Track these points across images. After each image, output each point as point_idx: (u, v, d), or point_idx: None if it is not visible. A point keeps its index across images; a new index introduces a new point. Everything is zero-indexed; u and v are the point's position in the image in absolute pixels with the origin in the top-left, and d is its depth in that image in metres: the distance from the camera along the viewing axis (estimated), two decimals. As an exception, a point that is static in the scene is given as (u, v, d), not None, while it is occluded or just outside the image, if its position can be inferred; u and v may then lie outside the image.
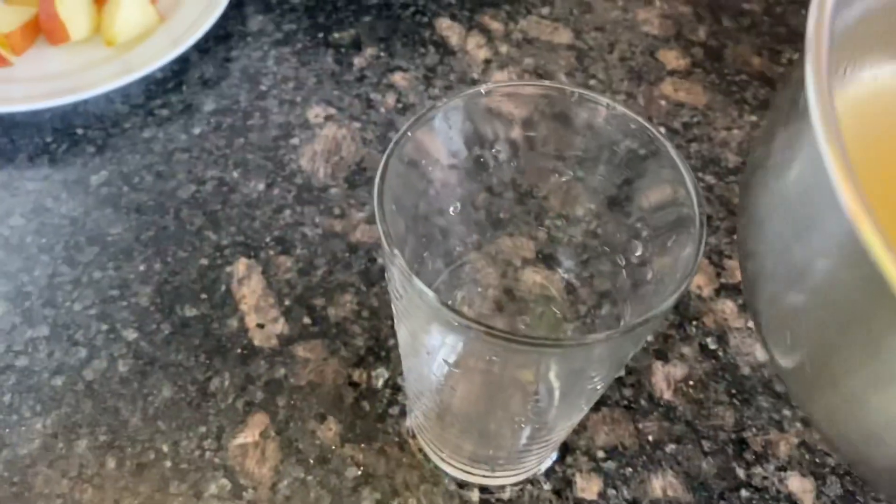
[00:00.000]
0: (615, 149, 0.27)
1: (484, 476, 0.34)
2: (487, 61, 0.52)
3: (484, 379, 0.27)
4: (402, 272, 0.22)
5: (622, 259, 0.30)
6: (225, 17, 0.52)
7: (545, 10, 0.55)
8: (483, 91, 0.27)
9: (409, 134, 0.25)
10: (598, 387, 0.27)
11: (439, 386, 0.29)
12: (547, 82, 0.27)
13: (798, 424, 0.38)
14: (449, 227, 0.31)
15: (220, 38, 0.52)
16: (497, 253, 0.35)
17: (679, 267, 0.25)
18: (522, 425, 0.29)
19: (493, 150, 0.29)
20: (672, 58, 0.53)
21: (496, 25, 0.54)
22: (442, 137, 0.27)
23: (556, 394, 0.27)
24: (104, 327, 0.40)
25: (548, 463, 0.36)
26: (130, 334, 0.39)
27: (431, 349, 0.26)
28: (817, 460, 0.37)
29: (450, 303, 0.35)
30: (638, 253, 0.28)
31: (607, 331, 0.32)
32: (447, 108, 0.26)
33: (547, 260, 0.35)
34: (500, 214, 0.33)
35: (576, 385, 0.26)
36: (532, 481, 0.36)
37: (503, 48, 0.53)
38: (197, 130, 0.47)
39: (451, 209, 0.31)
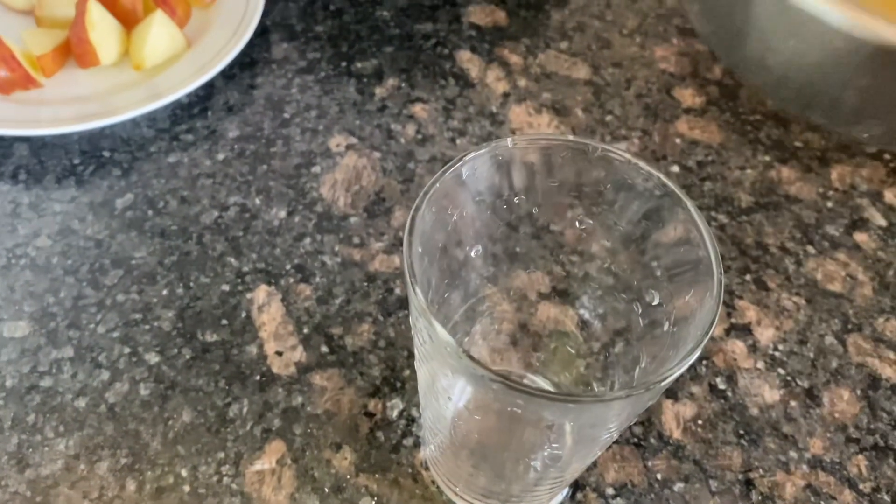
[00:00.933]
0: (635, 204, 0.28)
1: (496, 512, 0.35)
2: (506, 94, 0.53)
3: (500, 423, 0.28)
4: (427, 322, 0.23)
5: (638, 304, 0.30)
6: (251, 45, 0.53)
7: (564, 45, 0.56)
8: (510, 144, 0.28)
9: (437, 185, 0.26)
10: (614, 435, 0.27)
11: (455, 425, 0.30)
12: (572, 137, 0.28)
13: (804, 467, 0.39)
14: (470, 264, 0.32)
15: (245, 64, 0.53)
16: (512, 288, 0.36)
17: (697, 318, 0.26)
18: (536, 466, 0.30)
19: (516, 197, 0.30)
20: (688, 96, 0.54)
21: (515, 59, 0.55)
22: (468, 185, 0.28)
23: (571, 440, 0.27)
24: (127, 350, 0.41)
25: (559, 498, 0.37)
26: (152, 358, 0.40)
27: (450, 391, 0.27)
28: (822, 503, 0.38)
29: (467, 340, 0.36)
30: (655, 301, 0.29)
31: (624, 376, 0.33)
32: (475, 159, 0.27)
33: (562, 295, 0.36)
34: (518, 250, 0.33)
35: (591, 433, 0.27)
36: (542, 516, 0.36)
37: (522, 82, 0.54)
38: (221, 156, 0.48)
39: (474, 251, 0.31)
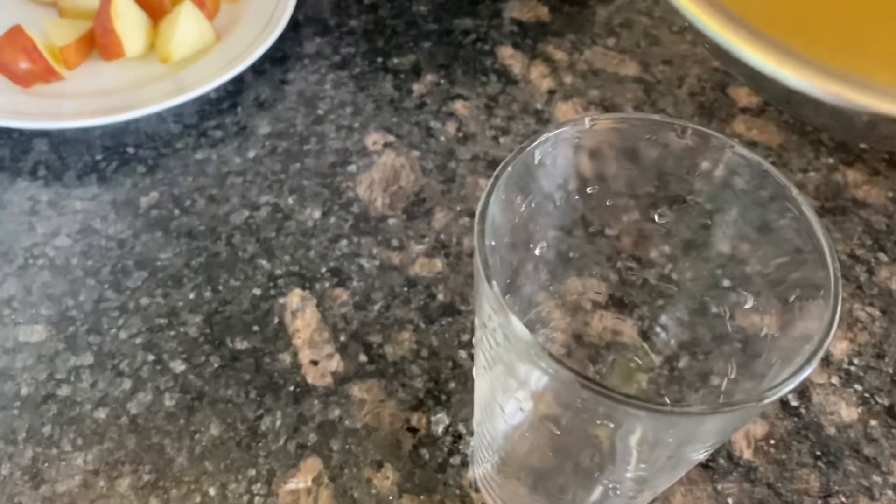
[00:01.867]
0: (727, 193, 0.25)
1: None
2: (552, 92, 0.50)
3: (576, 438, 0.25)
4: (503, 318, 0.20)
5: (724, 308, 0.27)
6: (282, 39, 0.51)
7: (611, 41, 0.53)
8: (587, 124, 0.25)
9: (509, 168, 0.23)
10: (703, 456, 0.24)
11: (519, 440, 0.27)
12: (658, 117, 0.25)
13: (889, 493, 0.35)
14: (536, 261, 0.29)
15: (276, 59, 0.51)
16: (568, 294, 0.33)
17: (803, 325, 0.22)
18: (611, 491, 0.27)
19: (589, 187, 0.27)
20: (743, 94, 0.51)
21: (560, 55, 0.52)
22: (541, 170, 0.25)
23: (656, 461, 0.24)
24: (150, 358, 0.38)
25: (622, 525, 0.34)
26: (178, 366, 0.37)
27: (521, 401, 0.24)
28: (911, 533, 0.34)
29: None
30: (749, 304, 0.26)
31: (694, 393, 0.30)
32: (549, 140, 0.24)
33: (619, 304, 0.33)
34: (588, 246, 0.30)
35: (682, 453, 0.23)
36: (605, 544, 0.33)
37: (567, 79, 0.51)
38: (251, 154, 0.46)
39: (538, 248, 0.28)
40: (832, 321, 0.21)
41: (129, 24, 0.47)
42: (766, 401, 0.19)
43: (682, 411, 0.19)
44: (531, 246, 0.28)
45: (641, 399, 0.19)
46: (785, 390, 0.19)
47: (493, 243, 0.23)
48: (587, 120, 0.25)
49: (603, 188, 0.27)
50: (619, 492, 0.26)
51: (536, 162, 0.25)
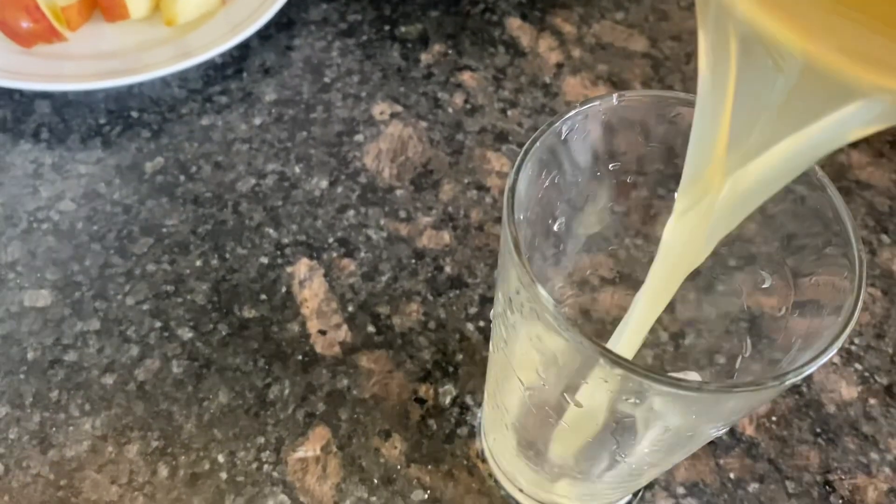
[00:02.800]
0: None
1: (562, 509, 0.32)
2: (559, 65, 0.50)
3: (591, 412, 0.25)
4: (532, 293, 0.20)
5: (743, 286, 0.27)
6: (288, 4, 0.50)
7: (619, 15, 0.53)
8: (615, 101, 0.24)
9: (538, 143, 0.23)
10: (720, 433, 0.24)
11: (537, 413, 0.27)
12: (684, 94, 0.25)
13: (887, 469, 0.36)
14: (557, 237, 0.29)
15: (282, 25, 0.50)
16: (578, 270, 0.33)
17: (826, 304, 0.23)
18: (623, 466, 0.27)
19: (612, 164, 0.27)
20: (750, 73, 0.51)
21: (569, 28, 0.52)
22: (566, 146, 0.25)
23: (671, 437, 0.24)
24: (158, 324, 0.37)
25: (627, 497, 0.34)
26: (185, 333, 0.37)
27: (543, 375, 0.24)
28: (907, 509, 0.35)
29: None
30: (767, 284, 0.26)
31: (697, 366, 0.30)
32: (577, 116, 0.24)
33: (627, 280, 0.33)
34: (608, 223, 0.30)
35: (700, 429, 0.24)
36: (610, 516, 0.34)
37: (576, 52, 0.51)
38: (258, 121, 0.45)
39: (557, 225, 0.28)
40: (857, 301, 0.21)
41: (134, -15, 0.46)
42: (792, 380, 0.20)
43: (710, 389, 0.19)
44: (550, 222, 0.28)
45: (671, 377, 0.19)
46: (811, 369, 0.20)
47: (522, 217, 0.23)
48: (615, 96, 0.25)
49: (625, 165, 0.27)
50: (633, 466, 0.26)
51: (563, 138, 0.25)
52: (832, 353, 0.20)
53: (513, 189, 0.22)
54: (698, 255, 0.23)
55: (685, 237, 0.22)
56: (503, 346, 0.26)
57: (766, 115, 0.18)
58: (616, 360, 0.19)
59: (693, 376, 0.30)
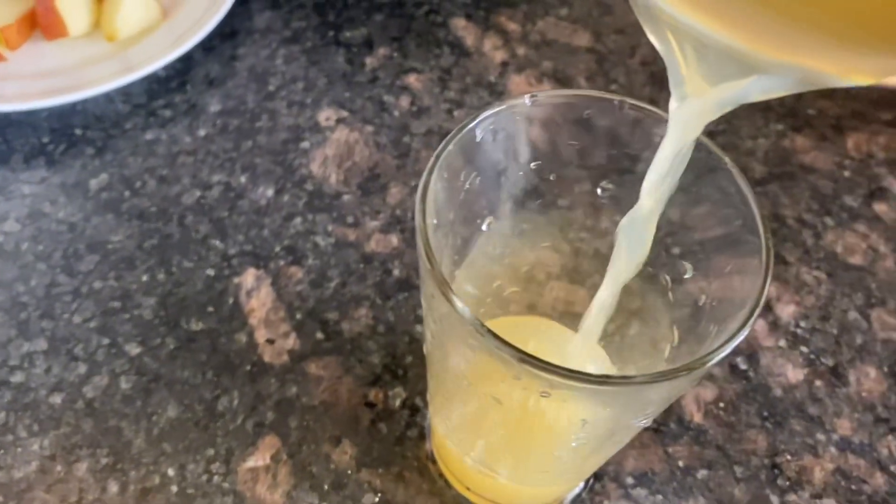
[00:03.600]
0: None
1: (511, 506, 0.32)
2: (504, 63, 0.50)
3: (520, 410, 0.25)
4: (444, 296, 0.21)
5: (666, 278, 0.28)
6: (231, 14, 0.50)
7: (563, 11, 0.53)
8: (528, 101, 0.25)
9: (450, 146, 0.24)
10: (647, 422, 0.25)
11: (469, 413, 0.27)
12: (596, 93, 0.25)
13: (833, 449, 0.37)
14: (480, 238, 0.29)
15: (225, 35, 0.50)
16: (525, 265, 0.33)
17: (739, 292, 0.23)
18: (560, 457, 0.27)
19: (533, 162, 0.27)
20: (694, 63, 0.52)
21: (513, 26, 0.52)
22: (482, 148, 0.25)
23: (600, 428, 0.25)
24: (105, 341, 0.37)
25: (575, 491, 0.34)
26: (133, 349, 0.37)
27: (466, 376, 0.25)
28: (853, 487, 0.36)
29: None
30: (688, 274, 0.26)
31: (644, 360, 0.30)
32: (489, 117, 0.25)
33: (571, 274, 0.34)
34: (533, 222, 0.31)
35: (625, 420, 0.24)
36: (559, 510, 0.34)
37: (521, 50, 0.51)
38: (202, 132, 0.45)
39: (485, 224, 0.29)
40: (763, 288, 0.21)
41: (72, 2, 0.46)
42: (697, 371, 0.20)
43: (613, 382, 0.20)
44: (478, 221, 0.29)
45: (578, 372, 0.20)
46: (715, 360, 0.20)
47: (436, 221, 0.23)
48: (527, 97, 0.25)
49: (547, 162, 0.28)
50: (564, 460, 0.27)
51: (479, 139, 0.25)
52: (735, 343, 0.20)
53: (424, 194, 0.22)
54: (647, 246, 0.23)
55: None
56: (431, 348, 0.26)
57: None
58: (522, 357, 0.19)
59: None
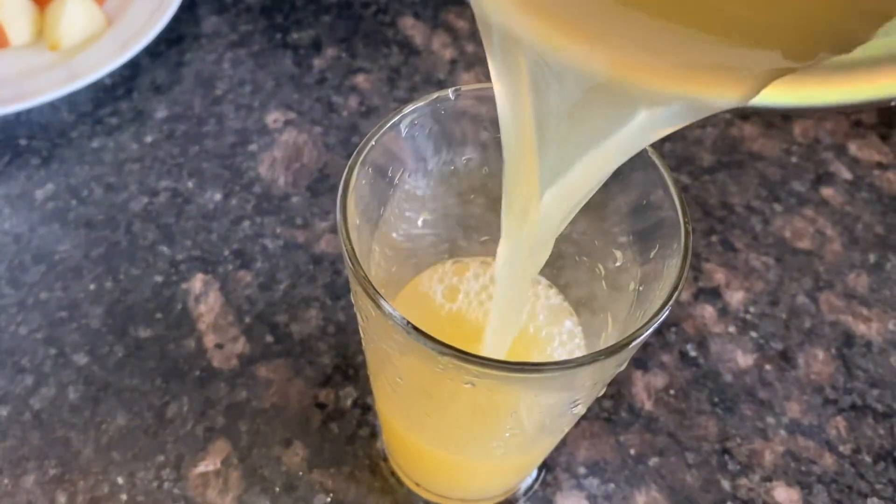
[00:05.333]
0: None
1: (461, 501, 0.33)
2: (453, 62, 0.50)
3: (456, 403, 0.25)
4: (366, 295, 0.21)
5: (601, 267, 0.28)
6: (176, 20, 0.50)
7: (511, 8, 0.53)
8: (451, 95, 0.25)
9: (373, 142, 0.24)
10: (581, 409, 0.25)
11: (409, 409, 0.27)
12: (519, 84, 0.25)
13: (782, 432, 0.37)
14: (418, 237, 0.30)
15: (171, 41, 0.50)
16: (464, 260, 0.33)
17: (664, 277, 0.23)
18: (500, 448, 0.27)
19: (464, 157, 0.27)
20: (642, 55, 0.52)
21: (462, 24, 0.52)
22: (409, 144, 0.25)
23: (535, 417, 0.25)
24: (52, 352, 0.37)
25: (527, 482, 0.35)
26: (81, 359, 0.37)
27: (400, 371, 0.25)
28: (803, 468, 0.36)
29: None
30: (619, 262, 0.27)
31: (588, 348, 0.31)
32: (414, 113, 0.25)
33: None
34: (468, 216, 0.31)
35: (556, 407, 0.24)
36: (511, 502, 0.34)
37: (469, 48, 0.51)
38: (149, 139, 0.45)
39: (420, 220, 0.29)
40: (682, 270, 0.22)
41: (13, 11, 0.45)
42: (617, 355, 0.20)
43: (534, 368, 0.20)
44: (411, 217, 0.29)
45: (496, 360, 0.20)
46: (634, 343, 0.20)
47: (358, 221, 0.24)
48: (451, 91, 0.25)
49: (479, 156, 0.28)
50: (503, 451, 0.27)
51: (403, 135, 0.25)
52: (652, 328, 0.20)
53: (344, 195, 0.22)
54: (535, 264, 0.23)
55: (518, 252, 0.23)
56: (365, 346, 0.26)
57: (564, 130, 0.19)
58: (443, 350, 0.20)
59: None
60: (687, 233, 0.22)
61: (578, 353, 0.32)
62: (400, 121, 0.24)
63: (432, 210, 0.29)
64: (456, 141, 0.27)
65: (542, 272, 0.32)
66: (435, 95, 0.25)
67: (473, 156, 0.28)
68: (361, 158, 0.23)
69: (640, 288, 0.25)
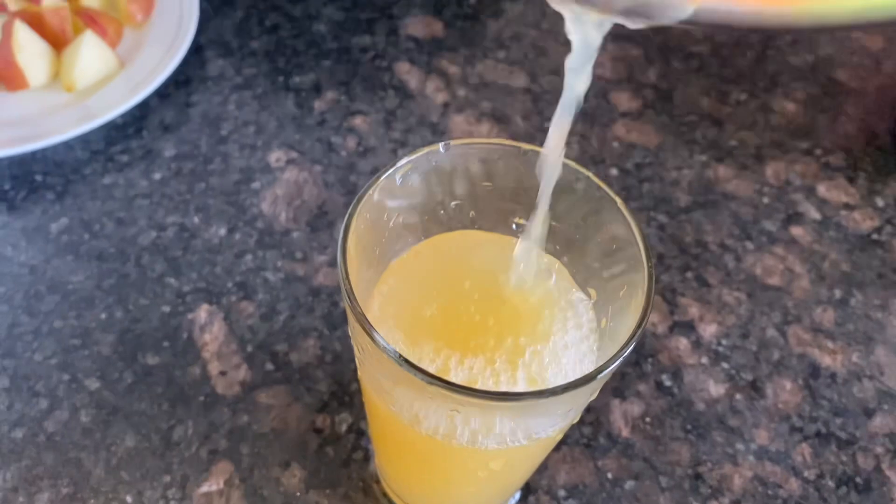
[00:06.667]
0: (569, 204, 0.29)
1: (448, 520, 0.35)
2: (446, 104, 0.53)
3: (443, 429, 0.28)
4: (362, 328, 0.23)
5: (580, 304, 0.30)
6: (185, 63, 0.53)
7: (501, 54, 0.57)
8: (442, 149, 0.28)
9: (370, 191, 0.26)
10: (558, 435, 0.27)
11: (400, 436, 0.30)
12: (505, 141, 0.28)
13: (751, 458, 0.40)
14: (411, 270, 0.32)
15: (180, 83, 0.53)
16: (450, 293, 0.36)
17: (631, 312, 0.26)
18: (482, 471, 0.30)
19: (453, 202, 0.30)
20: (624, 100, 0.55)
21: (454, 69, 0.55)
22: (403, 191, 0.28)
23: (515, 442, 0.27)
24: (66, 377, 0.39)
25: (511, 503, 0.37)
26: (92, 384, 0.39)
27: (392, 400, 0.27)
28: (770, 493, 0.39)
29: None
30: (593, 300, 0.29)
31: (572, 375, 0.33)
32: (408, 165, 0.27)
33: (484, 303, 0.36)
34: (466, 260, 0.33)
35: (535, 434, 0.26)
36: (495, 522, 0.36)
37: (461, 92, 0.54)
38: (157, 176, 0.48)
39: (414, 257, 0.31)
40: (644, 313, 0.24)
41: (32, 55, 0.48)
42: (587, 385, 0.23)
43: (515, 397, 0.22)
44: (404, 254, 0.31)
45: (479, 390, 0.22)
46: (600, 375, 0.23)
47: (357, 260, 0.26)
48: (441, 145, 0.28)
49: (466, 201, 0.30)
50: (496, 472, 0.29)
51: (399, 183, 0.28)
52: (614, 365, 0.23)
53: (345, 237, 0.25)
54: None
55: None
56: (361, 375, 0.29)
57: None
58: (429, 380, 0.22)
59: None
60: (650, 274, 0.25)
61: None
62: (395, 172, 0.27)
63: (428, 247, 0.31)
64: (445, 189, 0.30)
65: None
66: (427, 150, 0.28)
67: (462, 201, 0.30)
68: (360, 206, 0.26)
69: (611, 324, 0.27)
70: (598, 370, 0.23)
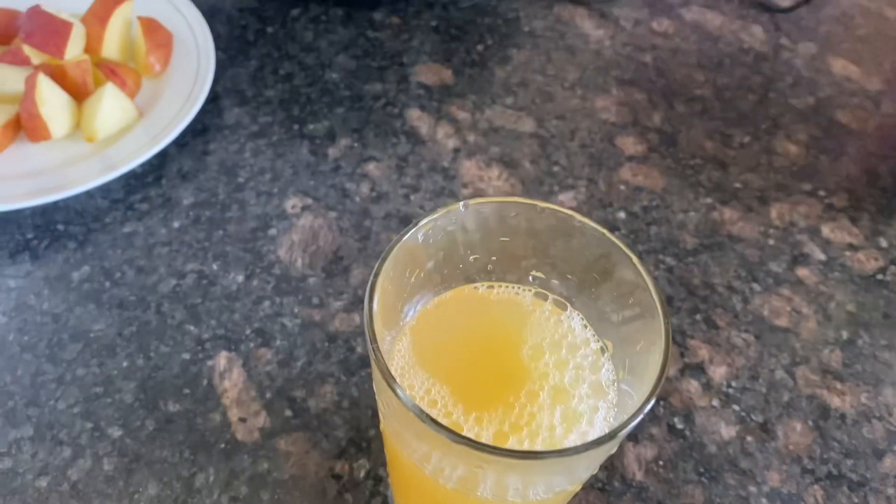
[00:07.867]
0: (583, 257, 0.30)
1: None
2: (456, 150, 0.54)
3: (467, 483, 0.28)
4: (388, 386, 0.24)
5: (601, 356, 0.31)
6: (202, 112, 0.54)
7: (509, 100, 0.58)
8: (462, 208, 0.29)
9: (394, 250, 0.27)
10: (579, 485, 0.28)
11: (423, 486, 0.31)
12: (520, 199, 0.29)
13: (764, 500, 0.40)
14: (430, 322, 0.33)
15: (197, 131, 0.54)
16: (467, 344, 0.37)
17: (649, 364, 0.27)
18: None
19: (472, 256, 0.31)
20: (630, 144, 0.56)
21: (463, 115, 0.57)
22: (424, 247, 0.29)
23: (538, 496, 0.28)
24: (89, 425, 0.40)
25: (528, 549, 0.37)
26: (115, 432, 0.40)
27: (416, 453, 0.28)
28: (783, 535, 0.39)
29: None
30: (610, 352, 0.30)
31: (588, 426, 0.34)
32: (429, 223, 0.28)
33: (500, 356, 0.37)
34: (484, 311, 0.34)
35: (559, 487, 0.27)
36: (513, 567, 0.37)
37: (471, 137, 0.55)
38: (176, 224, 0.49)
39: (431, 308, 0.32)
40: (662, 370, 0.25)
41: (54, 107, 0.49)
42: (605, 445, 0.23)
43: (539, 456, 0.23)
44: (421, 305, 0.32)
45: (505, 449, 0.23)
46: (621, 433, 0.24)
47: (381, 317, 0.27)
48: (461, 205, 0.29)
49: (485, 255, 0.31)
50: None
51: (420, 241, 0.29)
52: (632, 425, 0.24)
53: (371, 295, 0.26)
54: None
55: None
56: (384, 427, 0.29)
57: None
58: (457, 439, 0.23)
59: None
60: (667, 329, 0.26)
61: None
62: (417, 230, 0.28)
63: (447, 298, 0.32)
64: (465, 244, 0.31)
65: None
66: (447, 209, 0.29)
67: (480, 255, 0.31)
68: (384, 266, 0.27)
69: (629, 376, 0.28)
70: (619, 428, 0.24)
